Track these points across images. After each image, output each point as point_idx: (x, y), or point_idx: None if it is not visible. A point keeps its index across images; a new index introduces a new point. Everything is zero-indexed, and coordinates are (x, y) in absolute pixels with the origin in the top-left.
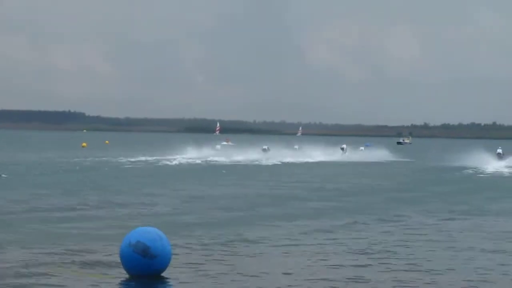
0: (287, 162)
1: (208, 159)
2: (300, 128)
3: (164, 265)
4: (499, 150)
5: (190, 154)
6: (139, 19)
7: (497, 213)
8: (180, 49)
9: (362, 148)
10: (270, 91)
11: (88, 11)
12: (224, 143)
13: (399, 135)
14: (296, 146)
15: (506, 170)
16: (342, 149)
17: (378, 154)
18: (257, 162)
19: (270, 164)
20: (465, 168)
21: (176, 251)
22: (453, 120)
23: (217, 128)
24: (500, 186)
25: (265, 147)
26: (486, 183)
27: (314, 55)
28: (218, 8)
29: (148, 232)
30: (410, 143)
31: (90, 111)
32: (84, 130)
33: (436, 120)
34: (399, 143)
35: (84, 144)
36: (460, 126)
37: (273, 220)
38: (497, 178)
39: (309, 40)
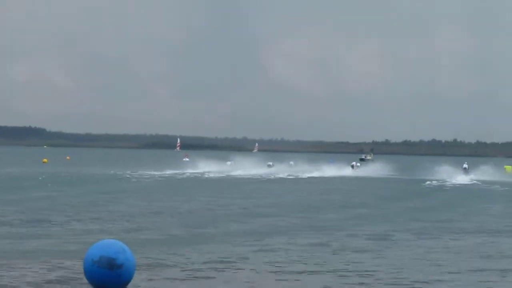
0: (301, 177)
1: (230, 173)
2: (256, 145)
3: (130, 274)
4: (465, 165)
5: (208, 168)
6: (100, 33)
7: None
8: (142, 63)
9: (270, 163)
10: (232, 106)
11: (49, 24)
12: (186, 159)
13: (361, 151)
14: (291, 162)
15: (470, 182)
16: (352, 166)
17: (376, 169)
18: (272, 176)
19: (287, 177)
20: (437, 180)
21: None
22: (414, 137)
23: (178, 144)
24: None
25: (270, 163)
26: (463, 191)
27: (277, 70)
28: (180, 22)
29: (108, 245)
30: (372, 160)
31: (51, 127)
32: (45, 146)
33: (397, 137)
34: (361, 159)
35: (45, 160)
36: (421, 142)
37: None
38: (468, 188)
39: (271, 55)
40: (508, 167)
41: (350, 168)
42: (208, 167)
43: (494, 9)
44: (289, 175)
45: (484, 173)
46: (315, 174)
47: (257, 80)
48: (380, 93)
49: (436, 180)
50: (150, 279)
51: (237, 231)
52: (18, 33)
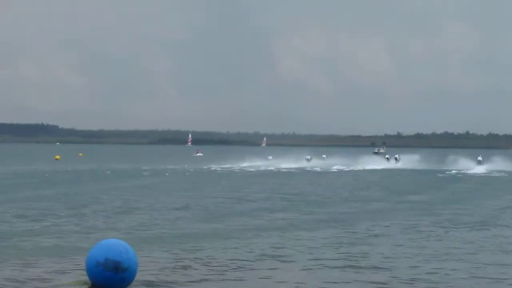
0: (341, 170)
1: (299, 166)
2: (264, 139)
3: (133, 275)
4: (479, 158)
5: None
6: (111, 32)
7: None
8: (152, 61)
9: (308, 157)
10: (243, 102)
11: (61, 25)
12: (200, 154)
13: (373, 144)
14: (324, 156)
15: (486, 172)
16: (396, 158)
17: (408, 162)
18: (318, 169)
19: (328, 171)
20: (457, 170)
21: None
22: (426, 130)
23: (189, 140)
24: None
25: (308, 157)
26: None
27: (287, 66)
28: (191, 21)
29: (113, 246)
30: (384, 153)
31: (64, 124)
32: (57, 143)
33: (409, 130)
34: (375, 153)
35: (57, 156)
36: (433, 135)
37: None
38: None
39: (282, 51)
40: None
41: (393, 161)
42: (279, 162)
43: (501, 3)
44: (337, 168)
45: (497, 164)
46: (359, 167)
47: (266, 76)
48: (391, 89)
49: (455, 170)
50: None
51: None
52: (31, 33)
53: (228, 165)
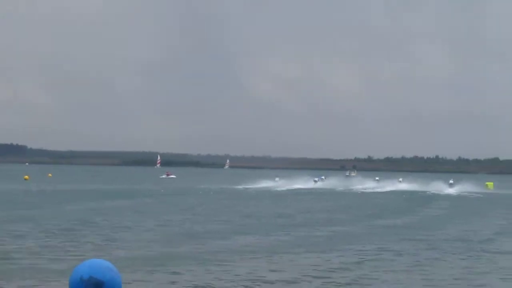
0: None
1: (309, 186)
2: (228, 161)
3: None
4: (451, 181)
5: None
6: (80, 52)
7: None
8: (122, 82)
9: (316, 179)
10: (214, 124)
11: (29, 45)
12: (164, 176)
13: (342, 168)
14: (323, 177)
15: (455, 193)
16: (400, 181)
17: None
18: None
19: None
20: (432, 192)
21: None
22: (396, 154)
23: (158, 161)
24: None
25: (316, 179)
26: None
27: (260, 89)
28: (161, 41)
29: (99, 265)
30: (355, 176)
31: (33, 144)
32: (27, 163)
33: (379, 153)
34: (347, 176)
35: (26, 177)
36: (403, 159)
37: None
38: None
39: (253, 74)
40: (489, 184)
41: (397, 183)
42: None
43: (473, 29)
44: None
45: (467, 188)
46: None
47: (239, 98)
48: (362, 112)
49: (432, 191)
50: None
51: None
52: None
53: (246, 186)
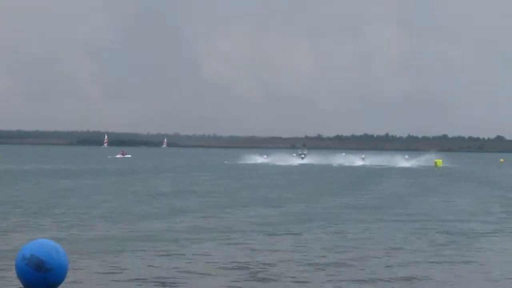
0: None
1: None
2: (165, 140)
3: (60, 278)
4: (406, 156)
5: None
6: (32, 33)
7: None
8: (74, 62)
9: (265, 156)
10: (165, 104)
11: None
12: (119, 155)
13: (293, 146)
14: (265, 155)
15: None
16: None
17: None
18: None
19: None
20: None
21: None
22: (346, 132)
23: (105, 141)
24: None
25: (305, 152)
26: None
27: (211, 68)
28: (111, 22)
29: (43, 245)
30: (307, 154)
31: None
32: None
33: (329, 132)
34: (300, 154)
35: None
36: (353, 137)
37: None
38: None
39: (205, 54)
40: (438, 161)
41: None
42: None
43: (427, 8)
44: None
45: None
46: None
47: (190, 78)
48: (313, 91)
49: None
50: None
51: None
52: None
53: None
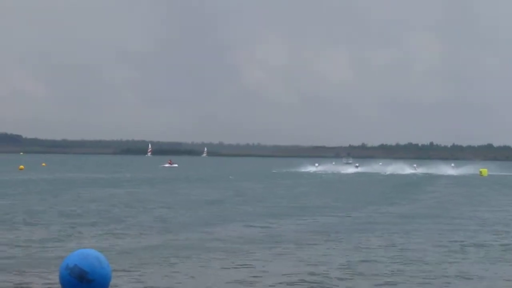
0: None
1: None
2: (205, 149)
3: None
4: (452, 165)
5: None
6: (73, 42)
7: None
8: (114, 72)
9: (317, 164)
10: (207, 112)
11: (22, 34)
12: (167, 165)
13: (337, 155)
14: (352, 162)
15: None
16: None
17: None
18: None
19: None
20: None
21: None
22: (391, 141)
23: (149, 150)
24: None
25: (357, 164)
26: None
27: (251, 77)
28: (154, 32)
29: (87, 256)
30: (351, 163)
31: (27, 134)
32: (21, 153)
33: (373, 141)
34: (347, 163)
35: (21, 166)
36: (397, 146)
37: None
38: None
39: (246, 63)
40: (483, 170)
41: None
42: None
43: (465, 16)
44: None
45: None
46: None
47: (230, 87)
48: (355, 100)
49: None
50: None
51: None
52: None
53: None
